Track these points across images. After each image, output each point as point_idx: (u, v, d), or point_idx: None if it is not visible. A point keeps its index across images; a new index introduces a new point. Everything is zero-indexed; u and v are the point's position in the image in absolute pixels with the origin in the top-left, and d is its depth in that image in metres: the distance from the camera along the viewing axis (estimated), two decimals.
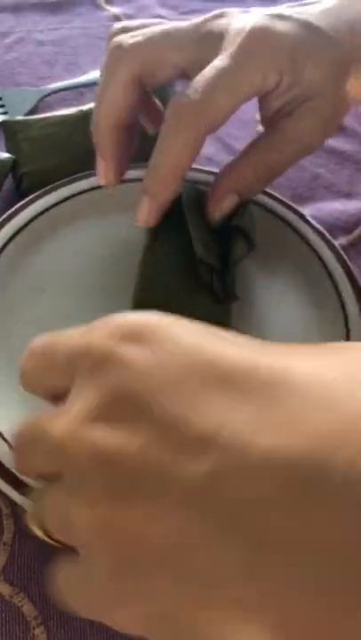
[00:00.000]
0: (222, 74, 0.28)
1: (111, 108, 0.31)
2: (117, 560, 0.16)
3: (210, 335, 0.18)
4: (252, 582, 0.14)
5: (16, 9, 0.54)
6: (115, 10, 0.54)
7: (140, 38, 0.31)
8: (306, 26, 0.30)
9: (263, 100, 0.32)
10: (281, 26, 0.30)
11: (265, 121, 0.34)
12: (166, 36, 0.31)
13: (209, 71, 0.29)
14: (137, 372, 0.17)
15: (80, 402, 0.18)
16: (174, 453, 0.16)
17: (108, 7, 0.55)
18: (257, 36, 0.29)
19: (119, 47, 0.31)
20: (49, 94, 0.48)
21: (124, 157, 0.34)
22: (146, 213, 0.32)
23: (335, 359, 0.17)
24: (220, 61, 0.29)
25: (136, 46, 0.31)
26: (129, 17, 0.54)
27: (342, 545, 0.14)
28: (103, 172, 0.33)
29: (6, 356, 0.33)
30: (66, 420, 0.18)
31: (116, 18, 0.54)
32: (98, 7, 0.55)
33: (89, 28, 0.53)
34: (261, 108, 0.33)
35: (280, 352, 0.17)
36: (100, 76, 0.32)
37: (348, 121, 0.48)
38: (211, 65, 0.29)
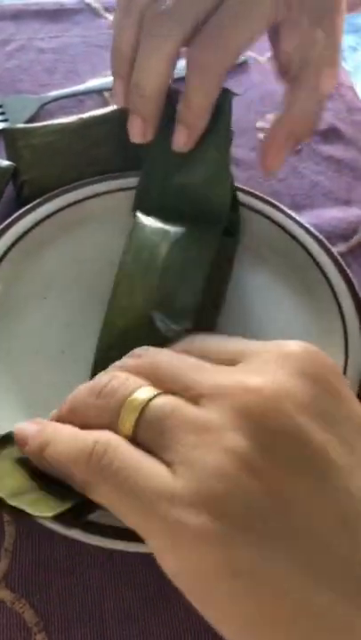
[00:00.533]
0: None
1: (160, 79, 0.32)
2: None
3: None
4: None
5: (16, 17, 0.54)
6: None
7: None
8: None
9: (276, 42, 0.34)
10: None
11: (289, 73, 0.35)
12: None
13: None
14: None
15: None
16: None
17: (107, 15, 0.55)
18: None
19: (163, 14, 0.31)
20: (49, 102, 0.48)
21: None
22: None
23: None
24: None
25: (180, 12, 0.31)
26: None
27: None
28: (142, 131, 0.35)
29: (8, 363, 0.34)
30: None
31: None
32: (97, 15, 0.55)
33: (88, 36, 0.54)
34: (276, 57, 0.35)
35: None
36: (143, 38, 0.32)
37: (347, 129, 0.49)
38: None
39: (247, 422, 0.19)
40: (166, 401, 0.21)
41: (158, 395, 0.22)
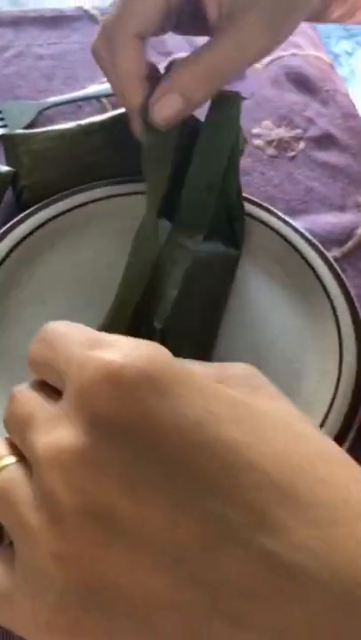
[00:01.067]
0: None
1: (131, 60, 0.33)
2: (81, 592, 0.16)
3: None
4: None
5: (15, 23, 0.55)
6: None
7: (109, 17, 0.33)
8: None
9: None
10: None
11: (212, 26, 0.34)
12: None
13: None
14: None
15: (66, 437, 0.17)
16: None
17: None
18: None
19: (104, 30, 0.34)
20: (48, 107, 0.49)
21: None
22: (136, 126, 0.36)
23: None
24: None
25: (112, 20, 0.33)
26: None
27: None
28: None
29: (6, 367, 0.34)
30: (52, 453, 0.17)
31: None
32: (96, 22, 0.56)
33: (87, 42, 0.54)
34: (205, 10, 0.34)
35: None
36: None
37: (342, 135, 0.50)
38: None
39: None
40: (4, 476, 0.19)
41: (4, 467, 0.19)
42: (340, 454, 0.18)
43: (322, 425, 0.33)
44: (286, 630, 0.15)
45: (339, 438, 0.33)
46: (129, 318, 0.34)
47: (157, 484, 0.16)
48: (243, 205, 0.40)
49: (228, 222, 0.39)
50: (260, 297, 0.38)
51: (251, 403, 0.18)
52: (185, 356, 0.34)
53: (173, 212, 0.38)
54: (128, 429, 0.16)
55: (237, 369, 0.21)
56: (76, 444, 0.16)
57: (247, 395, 0.19)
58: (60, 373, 0.19)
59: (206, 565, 0.15)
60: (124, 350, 0.18)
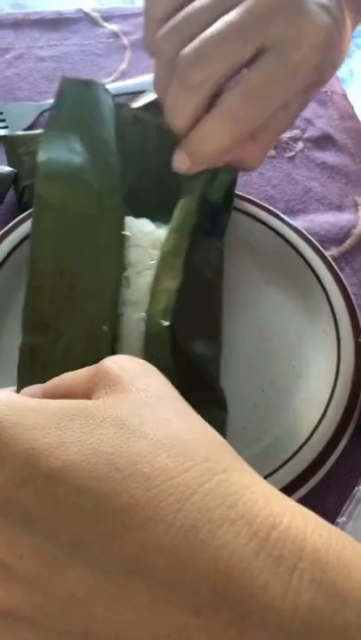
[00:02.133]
0: None
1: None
2: None
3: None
4: None
5: (16, 25, 0.55)
6: (112, 27, 0.56)
7: None
8: None
9: None
10: None
11: None
12: None
13: None
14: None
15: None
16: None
17: (105, 24, 0.56)
18: None
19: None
20: (49, 109, 0.49)
21: None
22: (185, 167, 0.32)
23: None
24: None
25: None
26: (126, 34, 0.55)
27: None
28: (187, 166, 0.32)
29: (7, 368, 0.34)
30: None
31: (114, 34, 0.55)
32: (95, 24, 0.56)
33: (87, 44, 0.55)
34: None
35: None
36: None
37: (340, 136, 0.50)
38: None
39: None
40: None
41: None
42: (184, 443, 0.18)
43: (320, 422, 0.34)
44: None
45: (336, 435, 0.33)
46: None
47: None
48: (233, 198, 0.40)
49: (211, 215, 0.39)
50: (259, 295, 0.39)
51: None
52: (200, 352, 0.34)
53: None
54: None
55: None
56: None
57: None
58: None
59: (51, 582, 0.16)
60: None
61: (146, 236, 0.36)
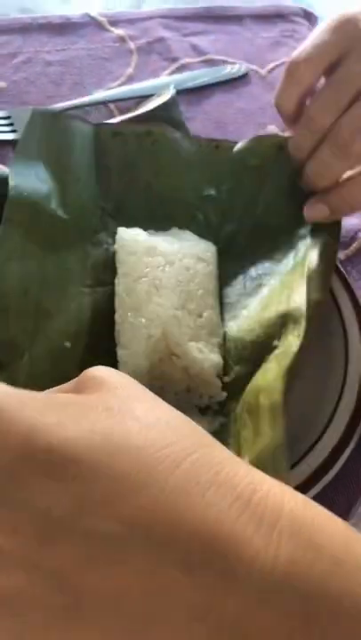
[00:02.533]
0: None
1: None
2: None
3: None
4: None
5: (24, 30, 0.56)
6: (119, 31, 0.56)
7: None
8: None
9: None
10: None
11: None
12: None
13: None
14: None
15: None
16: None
17: (112, 29, 0.56)
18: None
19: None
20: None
21: None
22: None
23: None
24: None
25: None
26: (133, 38, 0.56)
27: None
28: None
29: None
30: None
31: (121, 39, 0.56)
32: (102, 29, 0.57)
33: (94, 48, 0.55)
34: None
35: None
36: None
37: None
38: None
39: None
40: None
41: None
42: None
43: (328, 424, 0.34)
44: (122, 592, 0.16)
45: (344, 438, 0.33)
46: None
47: None
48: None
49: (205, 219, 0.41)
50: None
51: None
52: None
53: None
54: None
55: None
56: None
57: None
58: None
59: (43, 556, 0.16)
60: None
61: (139, 244, 0.36)
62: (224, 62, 0.55)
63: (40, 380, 0.29)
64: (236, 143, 0.41)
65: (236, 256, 0.39)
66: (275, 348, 0.34)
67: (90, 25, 0.57)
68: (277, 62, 0.55)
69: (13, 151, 0.45)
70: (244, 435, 0.31)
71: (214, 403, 0.35)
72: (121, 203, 0.40)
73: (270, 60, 0.56)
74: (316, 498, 0.32)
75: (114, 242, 0.38)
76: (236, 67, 0.55)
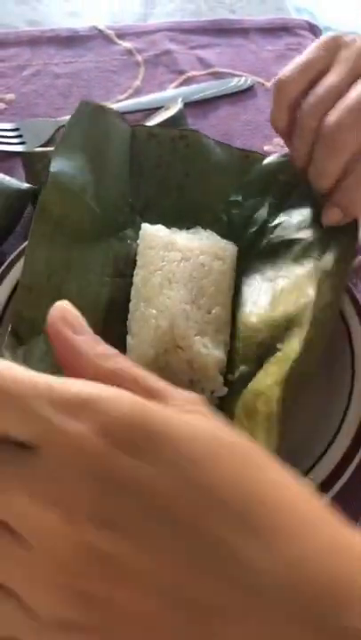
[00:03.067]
0: None
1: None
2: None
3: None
4: None
5: (32, 42, 0.56)
6: (126, 44, 0.57)
7: None
8: None
9: None
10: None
11: None
12: None
13: None
14: None
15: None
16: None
17: (119, 42, 0.57)
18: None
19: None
20: (65, 125, 0.50)
21: None
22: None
23: None
24: None
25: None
26: (140, 51, 0.57)
27: None
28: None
29: None
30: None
31: (128, 52, 0.57)
32: (110, 41, 0.57)
33: (102, 61, 0.56)
34: None
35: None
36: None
37: None
38: None
39: None
40: None
41: None
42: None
43: (334, 438, 0.34)
44: None
45: (351, 449, 0.34)
46: None
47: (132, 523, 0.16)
48: None
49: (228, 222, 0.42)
50: None
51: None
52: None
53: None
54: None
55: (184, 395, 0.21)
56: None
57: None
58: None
59: (186, 590, 0.16)
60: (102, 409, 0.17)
61: (158, 239, 0.37)
62: (230, 75, 0.56)
63: (52, 359, 0.32)
64: (265, 156, 0.42)
65: (257, 257, 0.40)
66: (278, 350, 0.34)
67: (97, 38, 0.57)
68: None
69: (22, 163, 0.46)
70: None
71: (215, 398, 0.35)
72: (150, 201, 0.42)
73: (276, 73, 0.56)
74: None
75: (138, 238, 0.39)
76: (243, 79, 0.55)
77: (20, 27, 0.59)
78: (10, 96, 0.53)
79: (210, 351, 0.35)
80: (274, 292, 0.37)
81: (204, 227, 0.40)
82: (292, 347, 0.33)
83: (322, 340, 0.35)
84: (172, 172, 0.42)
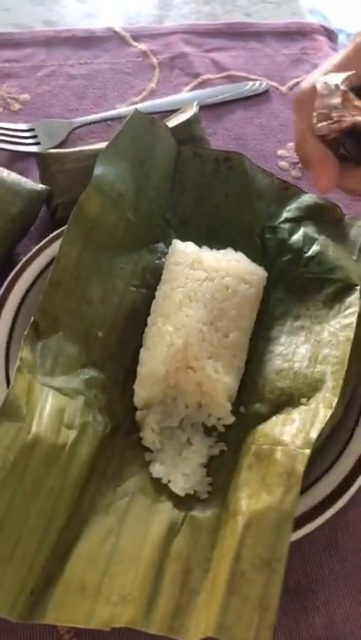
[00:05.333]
0: None
1: None
2: None
3: None
4: None
5: (48, 43, 0.56)
6: (141, 46, 0.57)
7: None
8: None
9: None
10: None
11: None
12: None
13: None
14: None
15: None
16: None
17: (135, 43, 0.57)
18: None
19: None
20: (79, 126, 0.50)
21: None
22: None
23: None
24: None
25: None
26: (155, 53, 0.57)
27: None
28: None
29: None
30: None
31: (143, 54, 0.57)
32: (125, 43, 0.57)
33: (117, 63, 0.56)
34: None
35: None
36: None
37: None
38: None
39: None
40: None
41: None
42: None
43: (343, 449, 0.34)
44: None
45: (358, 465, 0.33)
46: None
47: None
48: None
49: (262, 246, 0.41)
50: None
51: None
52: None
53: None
54: None
55: None
56: None
57: None
58: None
59: None
60: None
61: (186, 256, 0.37)
62: (245, 78, 0.56)
63: (66, 359, 0.33)
64: (304, 191, 0.42)
65: (287, 288, 0.39)
66: (301, 404, 0.33)
67: (113, 39, 0.57)
68: (298, 79, 0.56)
69: (37, 163, 0.46)
70: (245, 476, 0.31)
71: (221, 425, 0.35)
72: (186, 218, 0.42)
73: (291, 77, 0.56)
74: (334, 517, 0.32)
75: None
76: (258, 83, 0.55)
77: (36, 27, 0.59)
78: (25, 96, 0.53)
79: (220, 377, 0.35)
80: (301, 337, 0.36)
81: (237, 248, 0.40)
82: (319, 408, 0.32)
83: (350, 386, 0.34)
84: (212, 191, 0.42)
